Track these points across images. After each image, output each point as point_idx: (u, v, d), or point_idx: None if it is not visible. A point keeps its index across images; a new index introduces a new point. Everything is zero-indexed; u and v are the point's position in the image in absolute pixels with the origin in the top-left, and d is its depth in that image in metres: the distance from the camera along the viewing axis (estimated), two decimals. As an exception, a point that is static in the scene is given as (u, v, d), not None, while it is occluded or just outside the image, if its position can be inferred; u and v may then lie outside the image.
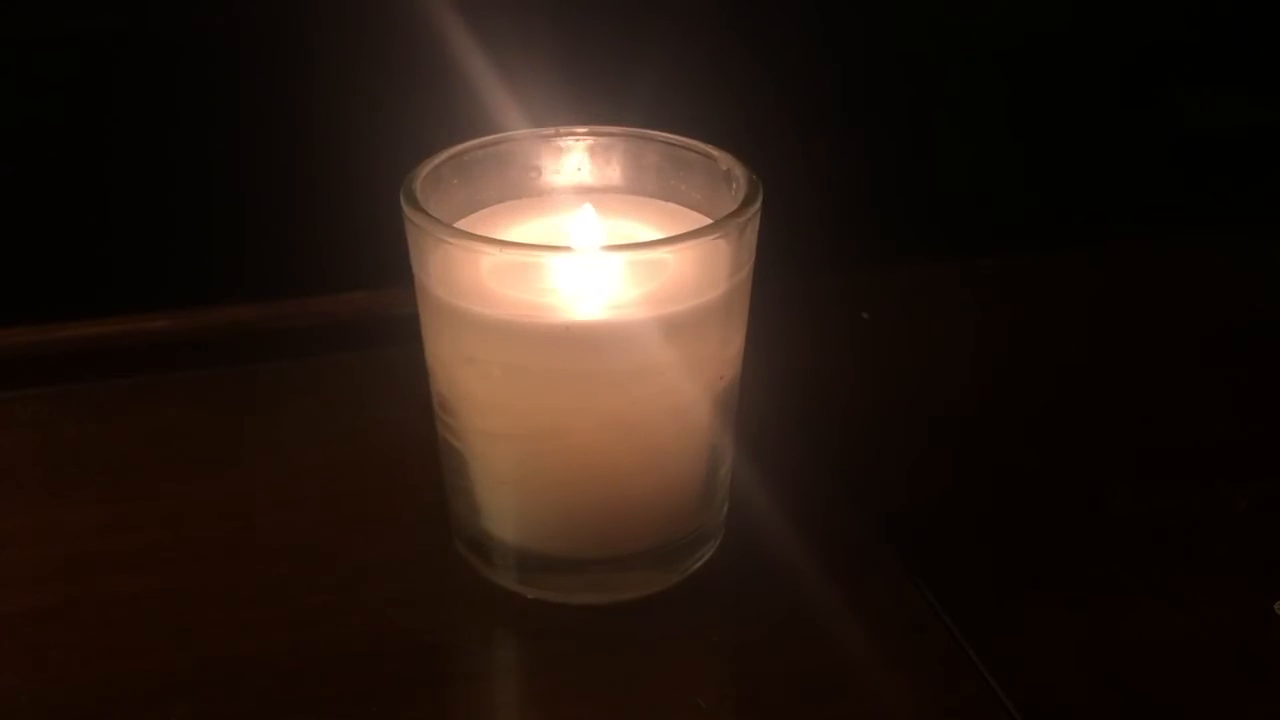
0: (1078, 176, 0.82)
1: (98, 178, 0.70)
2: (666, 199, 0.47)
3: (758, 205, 0.42)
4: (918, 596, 0.45)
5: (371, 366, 0.57)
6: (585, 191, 0.47)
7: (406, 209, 0.42)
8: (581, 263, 0.42)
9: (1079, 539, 0.48)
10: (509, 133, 0.47)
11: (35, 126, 0.69)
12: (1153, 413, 0.56)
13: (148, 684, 0.41)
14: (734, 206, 0.42)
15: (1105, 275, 0.68)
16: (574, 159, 0.48)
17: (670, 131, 0.47)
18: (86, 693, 0.41)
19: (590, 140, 0.47)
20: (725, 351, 0.44)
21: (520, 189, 0.47)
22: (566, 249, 0.43)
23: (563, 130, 0.47)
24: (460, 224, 0.44)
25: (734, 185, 0.44)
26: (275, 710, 0.41)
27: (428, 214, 0.41)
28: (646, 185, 0.47)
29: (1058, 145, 0.82)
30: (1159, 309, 0.65)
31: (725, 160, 0.45)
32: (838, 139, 0.76)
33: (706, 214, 0.45)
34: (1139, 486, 0.51)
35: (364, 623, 0.44)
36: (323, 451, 0.52)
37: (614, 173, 0.48)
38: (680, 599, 0.45)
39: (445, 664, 0.43)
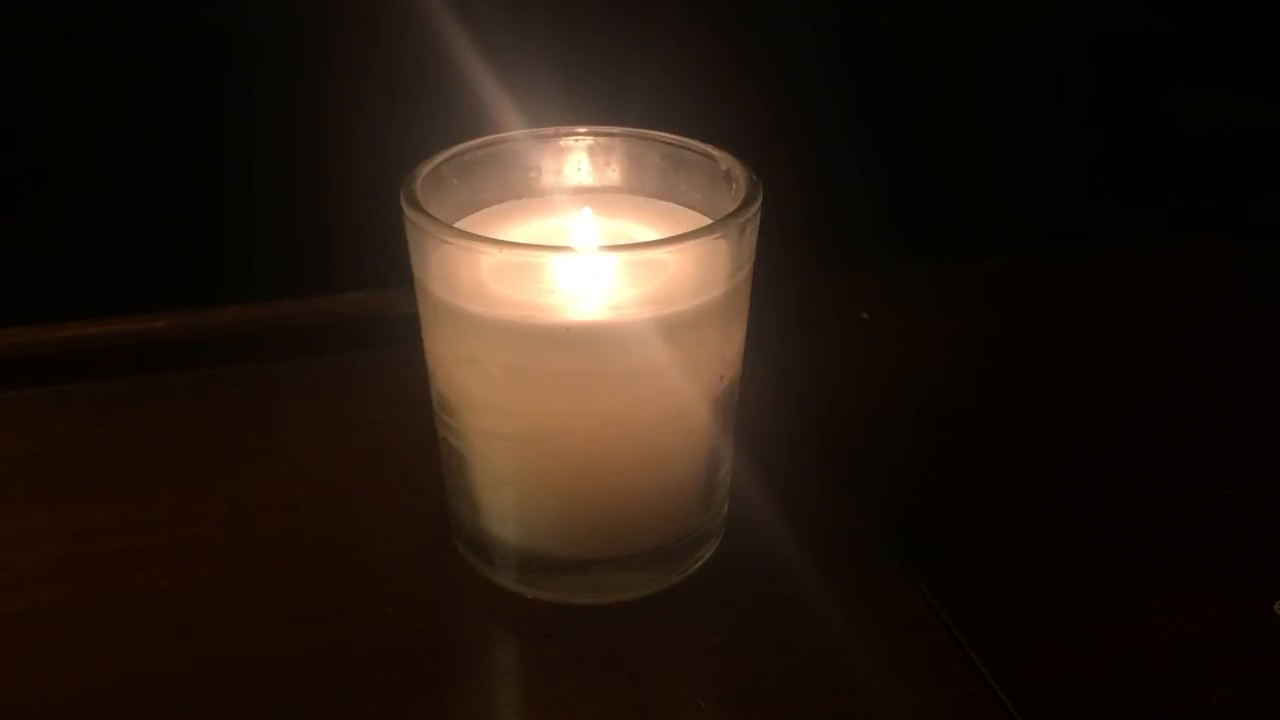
0: (1080, 178, 0.82)
1: (96, 179, 0.70)
2: (666, 199, 0.47)
3: (758, 205, 0.42)
4: (918, 596, 0.45)
5: (372, 366, 0.57)
6: (585, 191, 0.48)
7: (406, 209, 0.42)
8: (581, 263, 0.42)
9: (1079, 539, 0.48)
10: (509, 133, 0.47)
11: (31, 127, 0.69)
12: (1152, 413, 0.56)
13: (148, 684, 0.41)
14: (734, 206, 0.42)
15: (1106, 275, 0.68)
16: (574, 159, 0.48)
17: (670, 131, 0.47)
18: (86, 693, 0.41)
19: (590, 140, 0.47)
20: (725, 351, 0.44)
21: (520, 189, 0.47)
22: (566, 249, 0.44)
23: (563, 130, 0.47)
24: (460, 224, 0.44)
25: (734, 185, 0.44)
26: (275, 710, 0.41)
27: (428, 214, 0.41)
28: (646, 185, 0.47)
29: (1059, 146, 0.82)
30: (1159, 309, 0.65)
31: (725, 160, 0.45)
32: (839, 139, 0.76)
33: (706, 214, 0.45)
34: (1139, 486, 0.51)
35: (364, 623, 0.44)
36: (323, 451, 0.53)
37: (614, 173, 0.48)
38: (680, 599, 0.45)
39: (445, 664, 0.43)
